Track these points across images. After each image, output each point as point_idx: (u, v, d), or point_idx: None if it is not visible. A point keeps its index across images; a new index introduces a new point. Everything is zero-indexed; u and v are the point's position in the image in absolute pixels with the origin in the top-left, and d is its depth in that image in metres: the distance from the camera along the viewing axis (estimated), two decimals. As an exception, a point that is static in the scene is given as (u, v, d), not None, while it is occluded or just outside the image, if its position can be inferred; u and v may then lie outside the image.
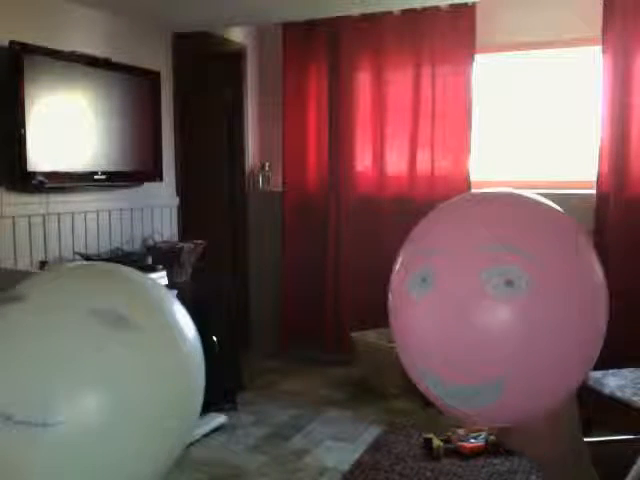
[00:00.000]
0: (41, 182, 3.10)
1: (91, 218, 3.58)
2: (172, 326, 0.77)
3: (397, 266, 0.73)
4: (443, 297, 0.65)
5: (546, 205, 0.73)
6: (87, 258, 3.38)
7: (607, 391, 2.74)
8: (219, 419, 3.46)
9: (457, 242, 0.68)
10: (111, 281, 0.81)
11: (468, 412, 0.68)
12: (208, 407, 3.49)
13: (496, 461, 3.05)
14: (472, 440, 3.15)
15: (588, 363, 0.67)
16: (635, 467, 0.83)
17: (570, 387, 0.68)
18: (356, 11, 4.06)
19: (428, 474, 2.96)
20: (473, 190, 0.78)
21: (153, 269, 3.51)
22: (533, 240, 0.66)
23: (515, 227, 0.68)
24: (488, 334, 0.63)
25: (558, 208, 0.73)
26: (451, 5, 3.95)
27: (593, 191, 3.80)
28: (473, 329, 0.63)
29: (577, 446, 0.73)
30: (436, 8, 4.00)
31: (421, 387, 0.70)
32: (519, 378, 0.64)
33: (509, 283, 0.62)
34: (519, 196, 0.74)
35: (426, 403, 3.73)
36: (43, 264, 3.22)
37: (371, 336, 4.11)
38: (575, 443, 0.73)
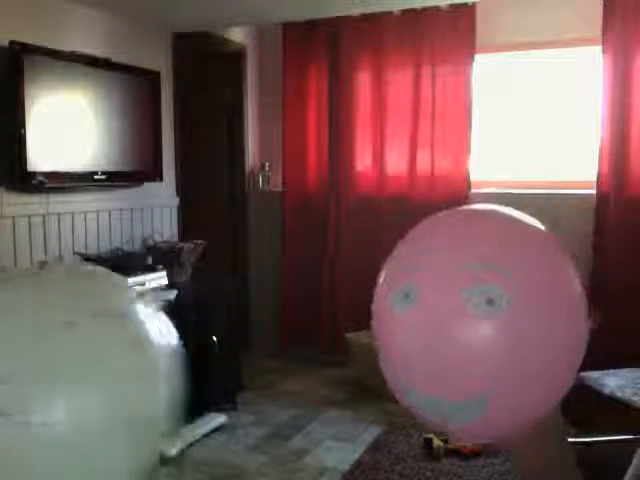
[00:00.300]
0: (41, 182, 3.10)
1: (91, 218, 3.58)
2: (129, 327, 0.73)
3: (380, 281, 0.74)
4: (425, 313, 0.65)
5: (526, 223, 0.73)
6: (87, 258, 3.38)
7: (607, 391, 2.74)
8: (219, 419, 3.46)
9: (439, 259, 0.68)
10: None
11: (452, 428, 0.68)
12: (208, 407, 3.50)
13: (496, 461, 3.05)
14: (472, 440, 3.15)
15: (571, 373, 0.67)
16: (632, 467, 0.84)
17: (554, 400, 0.68)
18: (356, 11, 4.06)
19: (428, 474, 2.96)
20: (457, 208, 0.80)
21: (153, 269, 3.51)
22: (513, 258, 0.66)
23: (495, 246, 0.68)
24: (469, 351, 0.63)
25: (539, 225, 0.73)
26: (451, 5, 3.95)
27: (593, 191, 3.79)
28: (454, 346, 0.63)
29: (562, 454, 0.73)
30: (436, 8, 4.00)
31: (404, 403, 0.70)
32: (502, 394, 0.64)
33: (490, 302, 0.63)
34: (501, 214, 0.74)
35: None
36: (43, 264, 3.22)
37: (366, 336, 4.10)
38: (560, 451, 0.73)
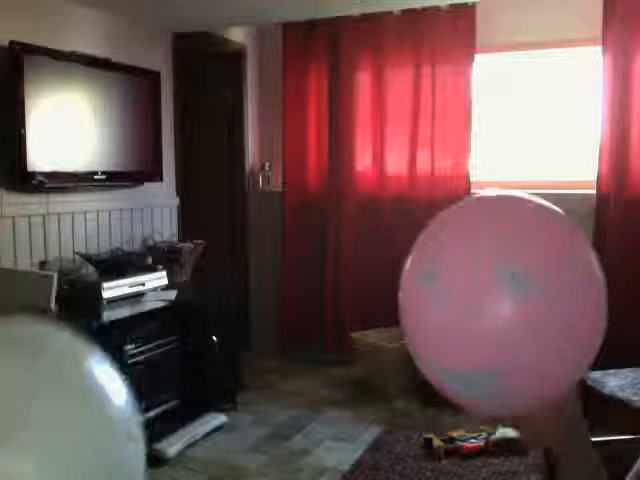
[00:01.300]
0: (41, 182, 3.10)
1: (91, 218, 3.58)
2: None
3: (409, 258, 0.76)
4: (448, 289, 0.68)
5: (547, 209, 0.74)
6: (87, 258, 3.38)
7: (607, 391, 2.74)
8: (219, 419, 3.46)
9: (465, 238, 0.71)
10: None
11: (469, 401, 0.70)
12: (208, 407, 3.50)
13: (496, 461, 3.05)
14: (472, 440, 3.15)
15: (588, 358, 0.68)
16: (636, 466, 0.84)
17: (569, 379, 0.69)
18: (356, 11, 4.06)
19: (428, 474, 2.96)
20: (479, 191, 0.81)
21: (153, 269, 3.51)
22: (535, 239, 0.68)
23: (519, 227, 0.70)
24: (491, 327, 0.65)
25: (557, 210, 0.74)
26: (451, 5, 3.95)
27: (593, 191, 3.80)
28: (476, 322, 0.66)
29: (578, 431, 0.75)
30: (436, 8, 4.00)
31: (427, 374, 0.72)
32: (517, 369, 0.66)
33: (514, 278, 0.64)
34: (522, 200, 0.76)
35: (426, 403, 3.74)
36: (43, 264, 3.22)
37: (371, 336, 4.11)
38: (576, 429, 0.75)
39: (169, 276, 3.57)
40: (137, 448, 0.69)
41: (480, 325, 0.65)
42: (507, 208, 0.75)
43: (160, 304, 3.27)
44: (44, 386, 0.63)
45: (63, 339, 0.71)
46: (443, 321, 0.68)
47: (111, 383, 0.69)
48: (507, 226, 0.70)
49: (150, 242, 3.87)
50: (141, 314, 3.15)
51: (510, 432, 3.18)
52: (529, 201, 0.75)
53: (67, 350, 0.70)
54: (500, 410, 0.70)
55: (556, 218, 0.73)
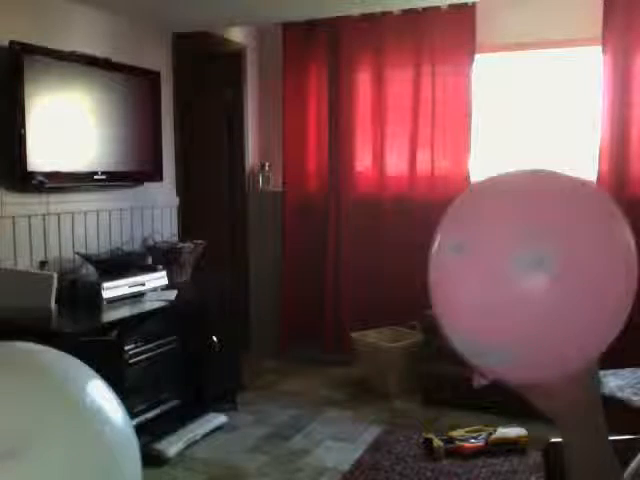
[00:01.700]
0: (41, 182, 3.10)
1: (91, 218, 3.58)
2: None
3: (439, 229, 0.77)
4: (475, 264, 0.69)
5: (579, 182, 0.76)
6: (87, 258, 3.38)
7: (607, 391, 2.74)
8: (219, 419, 3.46)
9: (495, 215, 0.72)
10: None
11: (496, 369, 0.73)
12: (208, 407, 3.50)
13: (496, 461, 3.05)
14: (472, 440, 3.15)
15: (610, 334, 0.70)
16: (633, 464, 0.84)
17: (587, 358, 0.71)
18: (356, 11, 4.06)
19: (428, 474, 2.96)
20: (505, 170, 0.84)
21: (153, 269, 3.51)
22: (567, 220, 0.70)
23: (552, 207, 0.71)
24: (512, 301, 0.67)
25: (594, 185, 0.77)
26: (451, 5, 3.95)
27: (593, 191, 3.79)
28: (498, 295, 0.67)
29: (593, 399, 0.77)
30: (436, 8, 4.00)
31: (454, 343, 0.75)
32: (533, 349, 0.68)
33: (539, 261, 0.66)
34: (559, 176, 0.77)
35: (426, 403, 3.74)
36: (43, 264, 3.22)
37: (371, 336, 4.11)
38: (591, 407, 0.77)
39: (169, 276, 3.57)
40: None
41: (503, 300, 0.67)
42: (544, 184, 0.76)
43: (160, 304, 3.27)
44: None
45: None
46: (469, 293, 0.70)
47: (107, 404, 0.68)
48: (542, 204, 0.71)
49: (150, 242, 3.87)
50: (141, 314, 3.15)
51: (510, 432, 3.18)
52: (570, 179, 0.77)
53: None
54: (524, 378, 0.73)
55: (598, 199, 0.74)
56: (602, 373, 2.86)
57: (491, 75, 4.16)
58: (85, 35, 3.50)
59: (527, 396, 0.77)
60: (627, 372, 2.91)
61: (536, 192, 0.74)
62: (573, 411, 0.76)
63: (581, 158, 3.96)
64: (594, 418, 0.77)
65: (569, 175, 0.78)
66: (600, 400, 0.77)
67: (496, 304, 0.67)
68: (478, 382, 0.78)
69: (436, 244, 0.76)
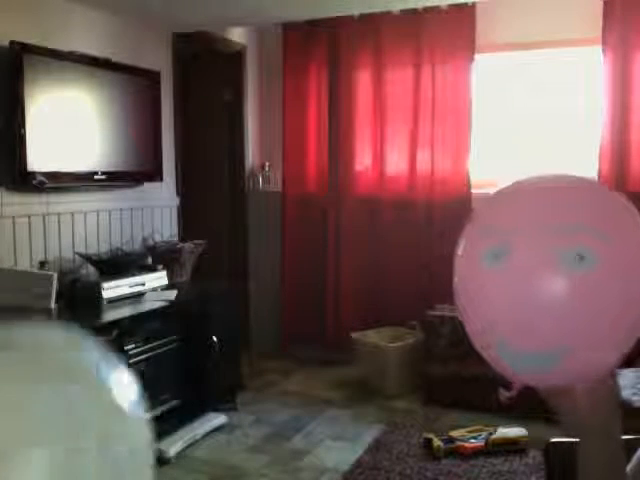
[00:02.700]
0: (41, 182, 3.10)
1: (91, 218, 3.58)
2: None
3: (468, 239, 0.77)
4: (517, 268, 0.69)
5: (605, 187, 0.77)
6: (87, 258, 3.38)
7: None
8: (219, 419, 3.46)
9: (534, 218, 0.72)
10: None
11: (528, 378, 0.74)
12: (208, 407, 3.50)
13: (496, 461, 3.05)
14: (472, 440, 3.15)
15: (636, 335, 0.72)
16: (633, 462, 0.84)
17: (619, 358, 0.72)
18: (356, 11, 4.06)
19: (428, 474, 2.96)
20: (531, 176, 0.84)
21: (153, 269, 3.51)
22: (609, 222, 0.71)
23: (591, 208, 0.72)
24: (556, 304, 0.68)
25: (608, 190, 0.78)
26: (451, 5, 3.95)
27: (593, 191, 3.79)
28: (542, 298, 0.68)
29: (615, 412, 0.78)
30: (436, 8, 4.00)
31: (489, 354, 0.74)
32: (580, 349, 0.69)
33: (581, 260, 0.67)
34: (592, 182, 0.79)
35: (426, 403, 3.74)
36: (43, 264, 3.22)
37: (371, 336, 4.11)
38: (613, 409, 0.78)
39: (169, 276, 3.57)
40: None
41: (554, 299, 0.68)
42: (571, 183, 0.77)
43: (160, 304, 3.27)
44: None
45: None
46: (510, 301, 0.70)
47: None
48: (575, 201, 0.73)
49: (150, 242, 3.87)
50: (141, 314, 3.15)
51: (510, 432, 3.18)
52: (589, 179, 0.78)
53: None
54: (560, 382, 0.74)
55: (618, 195, 0.76)
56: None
57: (491, 75, 4.16)
58: (85, 35, 3.50)
59: (553, 403, 0.77)
60: (628, 372, 2.91)
61: (566, 190, 0.75)
62: (596, 417, 0.76)
63: (581, 158, 3.96)
64: (614, 424, 0.77)
65: (587, 176, 0.79)
66: (619, 406, 0.78)
67: (548, 304, 0.68)
68: (504, 396, 0.78)
69: (466, 255, 0.75)
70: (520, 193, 0.78)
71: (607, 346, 0.71)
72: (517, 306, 0.69)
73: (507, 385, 0.77)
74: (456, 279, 0.77)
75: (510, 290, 0.70)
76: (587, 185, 0.78)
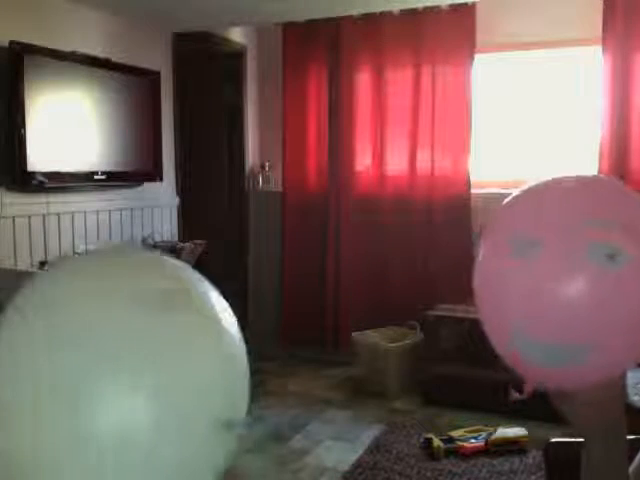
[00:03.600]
0: (41, 182, 3.10)
1: (91, 218, 3.58)
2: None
3: (496, 231, 0.77)
4: (546, 263, 0.70)
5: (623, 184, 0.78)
6: (87, 258, 3.38)
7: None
8: (219, 419, 3.45)
9: (566, 214, 0.72)
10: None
11: (544, 374, 0.73)
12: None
13: (496, 461, 3.05)
14: (472, 440, 3.15)
15: None
16: (634, 463, 0.84)
17: (636, 360, 0.73)
18: (356, 11, 4.06)
19: (428, 474, 2.96)
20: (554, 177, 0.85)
21: (153, 269, 3.50)
22: (630, 213, 0.72)
23: (624, 206, 0.73)
24: (584, 301, 0.68)
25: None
26: (451, 5, 3.95)
27: (593, 191, 3.79)
28: (570, 294, 0.68)
29: (619, 422, 0.78)
30: (436, 8, 4.00)
31: (507, 347, 0.74)
32: (603, 347, 0.69)
33: (611, 257, 0.67)
34: (609, 179, 0.81)
35: (426, 403, 3.74)
36: (43, 264, 3.22)
37: (371, 336, 4.11)
38: (620, 411, 0.78)
39: (169, 276, 3.56)
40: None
41: (586, 293, 0.68)
42: (599, 182, 0.78)
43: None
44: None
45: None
46: (534, 293, 0.70)
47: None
48: (606, 198, 0.73)
49: (150, 242, 3.87)
50: (141, 314, 3.14)
51: (510, 432, 3.18)
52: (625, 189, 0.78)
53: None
54: (575, 383, 0.73)
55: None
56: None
57: (491, 75, 4.16)
58: (85, 35, 3.50)
59: (560, 404, 0.77)
60: (628, 372, 2.90)
61: (594, 188, 0.76)
62: (603, 418, 0.76)
63: (581, 157, 3.96)
64: (621, 427, 0.77)
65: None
66: (624, 410, 0.78)
67: (579, 297, 0.68)
68: (514, 396, 0.78)
69: (494, 246, 0.75)
70: (547, 191, 0.79)
71: (628, 347, 0.71)
72: (541, 298, 0.70)
73: (519, 386, 0.77)
74: (477, 276, 0.77)
75: (536, 283, 0.70)
76: (613, 183, 0.79)
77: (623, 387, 0.78)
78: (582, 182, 0.78)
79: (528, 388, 0.77)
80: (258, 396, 3.91)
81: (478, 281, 0.77)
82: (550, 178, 0.80)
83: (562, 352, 0.70)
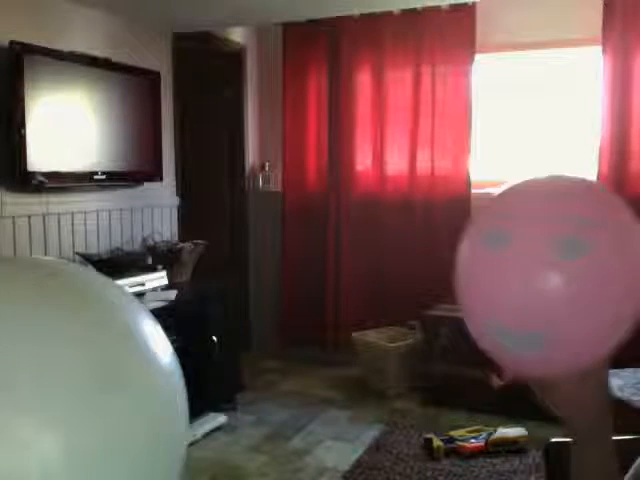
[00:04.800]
0: (41, 182, 3.10)
1: (91, 218, 3.58)
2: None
3: (474, 224, 0.80)
4: (515, 255, 0.72)
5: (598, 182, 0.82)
6: (87, 258, 3.38)
7: (607, 391, 2.74)
8: (219, 419, 3.46)
9: (535, 209, 0.75)
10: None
11: (512, 361, 0.76)
12: (208, 407, 3.50)
13: (496, 461, 3.05)
14: (472, 440, 3.15)
15: (626, 327, 0.74)
16: (635, 465, 0.84)
17: (608, 349, 0.72)
18: (356, 11, 4.06)
19: (428, 474, 2.96)
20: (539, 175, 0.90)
21: (153, 269, 3.51)
22: (606, 215, 0.74)
23: (590, 201, 0.76)
24: (545, 290, 0.70)
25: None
26: (451, 5, 3.95)
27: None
28: (534, 284, 0.71)
29: (604, 411, 0.78)
30: (436, 8, 4.00)
31: (482, 337, 0.77)
32: (563, 334, 0.71)
33: (571, 250, 0.69)
34: (590, 181, 0.82)
35: (426, 403, 3.74)
36: (43, 264, 3.22)
37: (371, 336, 4.11)
38: (603, 408, 0.78)
39: (169, 276, 3.56)
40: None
41: (534, 291, 0.70)
42: (574, 183, 0.80)
43: (160, 304, 3.27)
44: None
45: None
46: (502, 282, 0.73)
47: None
48: (576, 197, 0.76)
49: (150, 242, 3.87)
50: (141, 314, 3.14)
51: (510, 432, 3.18)
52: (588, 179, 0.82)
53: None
54: (544, 369, 0.75)
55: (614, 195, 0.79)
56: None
57: (491, 75, 4.16)
58: (85, 35, 3.50)
59: (543, 396, 0.78)
60: (627, 372, 2.91)
61: (567, 187, 0.78)
62: (587, 412, 0.76)
63: (581, 158, 3.96)
64: (604, 428, 0.77)
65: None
66: (611, 405, 0.78)
67: (541, 285, 0.70)
68: (496, 383, 0.80)
69: (471, 237, 0.79)
70: (525, 187, 0.81)
71: (587, 338, 0.72)
72: (513, 286, 0.72)
73: (500, 373, 0.78)
74: (456, 267, 0.80)
75: (508, 272, 0.73)
76: (581, 181, 0.81)
77: (604, 386, 0.78)
78: (566, 182, 0.81)
79: (507, 374, 0.78)
80: (258, 396, 3.91)
81: (456, 272, 0.80)
82: (533, 176, 0.82)
83: (522, 339, 0.72)
